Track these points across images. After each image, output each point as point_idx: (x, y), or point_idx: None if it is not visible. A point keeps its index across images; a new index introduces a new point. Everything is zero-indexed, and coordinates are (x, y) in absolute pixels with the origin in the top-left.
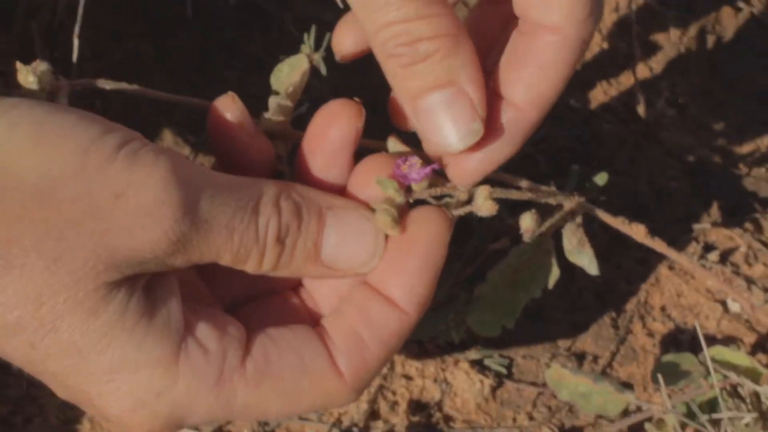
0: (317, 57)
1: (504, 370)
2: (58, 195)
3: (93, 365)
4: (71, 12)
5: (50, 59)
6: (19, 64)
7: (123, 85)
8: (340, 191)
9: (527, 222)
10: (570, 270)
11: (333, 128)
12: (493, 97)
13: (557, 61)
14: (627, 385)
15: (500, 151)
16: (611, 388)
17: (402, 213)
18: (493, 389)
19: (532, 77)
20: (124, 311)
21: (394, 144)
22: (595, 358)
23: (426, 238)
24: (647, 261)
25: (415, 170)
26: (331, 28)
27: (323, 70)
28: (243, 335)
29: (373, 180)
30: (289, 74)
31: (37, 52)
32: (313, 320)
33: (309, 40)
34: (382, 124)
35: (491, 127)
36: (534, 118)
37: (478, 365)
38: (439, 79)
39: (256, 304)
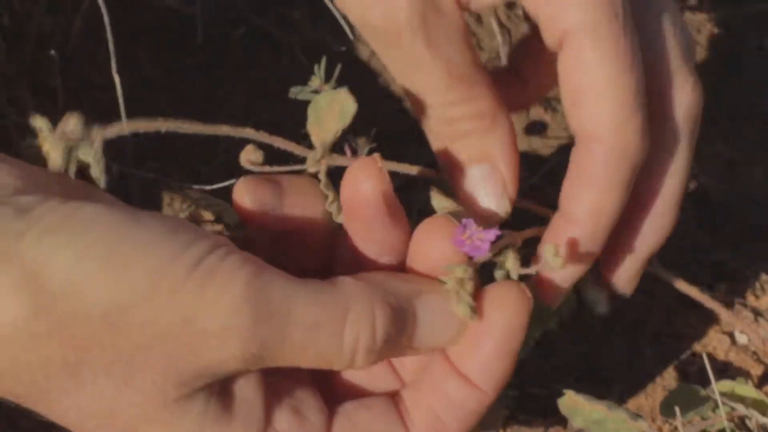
0: (328, 88)
1: (514, 402)
2: (127, 321)
3: None
4: (85, 37)
5: (63, 87)
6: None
7: (157, 125)
8: (391, 252)
9: (510, 262)
10: (579, 299)
11: (359, 193)
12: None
13: (602, 170)
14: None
15: (570, 275)
16: (625, 416)
17: (474, 284)
18: (505, 420)
19: (586, 193)
20: (201, 417)
21: (438, 200)
22: (604, 390)
23: (505, 321)
24: (655, 292)
25: (477, 238)
26: (340, 57)
27: None
28: (324, 418)
29: (432, 248)
30: (341, 116)
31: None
32: (393, 374)
33: (320, 71)
34: (392, 150)
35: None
36: (596, 234)
37: None
38: (475, 155)
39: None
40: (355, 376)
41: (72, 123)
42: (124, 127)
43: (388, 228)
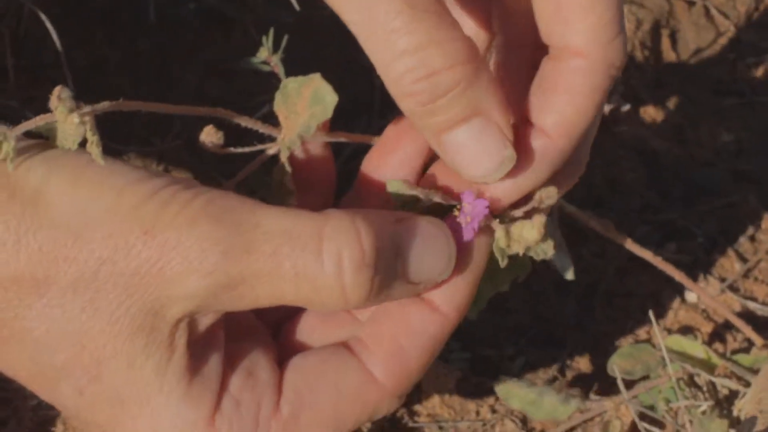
0: (275, 59)
1: (467, 365)
2: (90, 234)
3: (134, 418)
4: (36, 19)
5: (16, 67)
6: (59, 104)
7: (137, 105)
8: None
9: (532, 233)
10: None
11: (406, 139)
12: (523, 124)
13: (585, 86)
14: (584, 376)
15: (530, 179)
16: (556, 400)
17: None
18: (457, 382)
19: (560, 103)
20: (163, 372)
21: (395, 186)
22: (556, 350)
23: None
24: (606, 253)
25: (467, 215)
26: (290, 30)
27: (282, 72)
28: (276, 376)
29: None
30: (315, 103)
31: (3, 59)
32: (354, 323)
33: (268, 42)
34: (343, 120)
35: (521, 154)
36: (564, 146)
37: (442, 359)
38: (463, 112)
39: (298, 320)
40: (310, 330)
41: (66, 96)
42: (108, 105)
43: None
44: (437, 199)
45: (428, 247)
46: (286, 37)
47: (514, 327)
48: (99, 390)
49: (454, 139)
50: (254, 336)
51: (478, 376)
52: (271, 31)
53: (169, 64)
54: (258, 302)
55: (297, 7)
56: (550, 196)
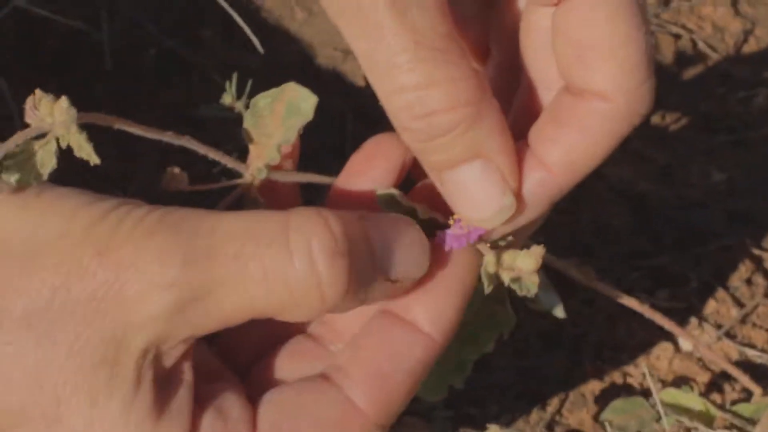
0: (240, 105)
1: (450, 424)
2: (41, 261)
3: None
4: None
5: None
6: (42, 95)
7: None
8: None
9: (528, 263)
10: (515, 314)
11: (379, 158)
12: (523, 150)
13: (602, 130)
14: None
15: (523, 216)
16: None
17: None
18: None
19: (571, 141)
20: (128, 410)
21: (389, 197)
22: (544, 406)
23: (457, 258)
24: (595, 301)
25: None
26: (253, 74)
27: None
28: (250, 413)
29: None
30: (290, 115)
31: None
32: (328, 358)
33: (231, 88)
34: (314, 163)
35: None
36: (564, 185)
37: (424, 419)
38: (463, 154)
39: (268, 359)
40: (281, 368)
41: (66, 106)
42: (94, 117)
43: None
44: (435, 215)
45: (401, 241)
46: (250, 82)
47: (498, 383)
48: None
49: (454, 178)
50: (222, 379)
51: None
52: (235, 76)
53: (129, 112)
54: (226, 317)
55: (261, 49)
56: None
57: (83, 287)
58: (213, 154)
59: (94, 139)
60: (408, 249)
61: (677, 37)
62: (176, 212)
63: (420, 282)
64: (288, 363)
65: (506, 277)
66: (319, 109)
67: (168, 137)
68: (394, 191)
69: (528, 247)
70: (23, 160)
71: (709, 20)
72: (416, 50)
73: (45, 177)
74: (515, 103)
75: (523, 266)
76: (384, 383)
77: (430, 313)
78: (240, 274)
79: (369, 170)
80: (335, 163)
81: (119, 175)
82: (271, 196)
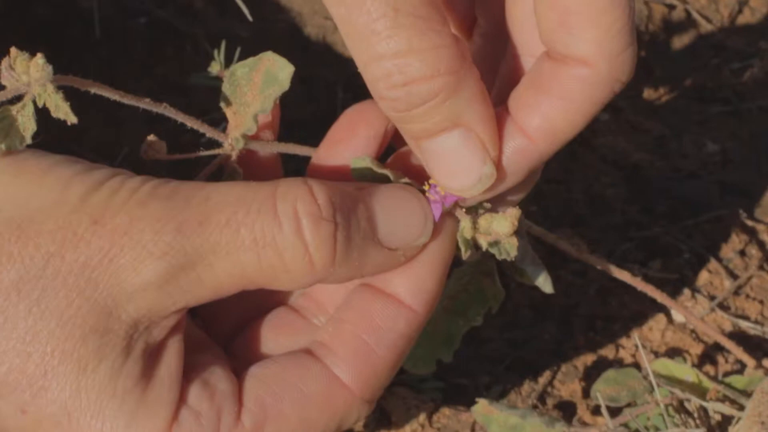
0: (228, 74)
1: (440, 394)
2: (35, 227)
3: None
4: None
5: None
6: (17, 53)
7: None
8: None
9: (504, 226)
10: (505, 285)
11: (361, 126)
12: (502, 117)
13: (583, 96)
14: (567, 405)
15: (503, 183)
16: (540, 422)
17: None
18: (429, 414)
19: (551, 108)
20: (116, 374)
21: (363, 164)
22: (535, 377)
23: (437, 229)
24: (586, 272)
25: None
26: (243, 43)
27: None
28: (235, 386)
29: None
30: (268, 84)
31: None
32: (311, 330)
33: (219, 56)
34: (297, 135)
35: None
36: (544, 152)
37: (414, 390)
38: (443, 123)
39: (251, 331)
40: (264, 341)
41: (42, 63)
42: (70, 80)
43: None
44: (406, 181)
45: (398, 208)
46: (238, 51)
47: (489, 355)
48: (44, 405)
49: (433, 147)
50: (207, 351)
51: (452, 407)
52: (223, 45)
53: (119, 80)
54: (219, 284)
55: (250, 18)
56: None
57: (77, 255)
58: (191, 123)
59: (81, 109)
60: (405, 216)
61: (671, 7)
62: (170, 183)
63: None
64: (271, 335)
65: (483, 242)
66: (309, 80)
67: (146, 104)
68: (368, 159)
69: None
70: (5, 127)
71: None
72: (396, 17)
73: (29, 140)
74: (501, 71)
75: (500, 229)
76: (368, 357)
77: (410, 284)
78: (231, 240)
79: (350, 138)
80: (325, 133)
81: (106, 144)
82: (251, 166)
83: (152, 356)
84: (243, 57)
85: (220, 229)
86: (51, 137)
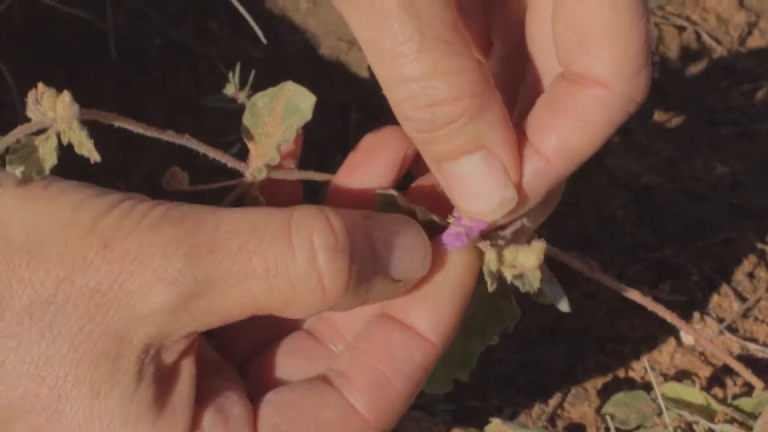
0: (243, 95)
1: (451, 416)
2: (45, 252)
3: None
4: None
5: None
6: (44, 89)
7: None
8: None
9: (530, 259)
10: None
11: (380, 152)
12: (519, 139)
13: (599, 117)
14: (577, 427)
15: (522, 207)
16: None
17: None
18: None
19: (568, 129)
20: (129, 400)
21: (388, 199)
22: (545, 399)
23: (456, 259)
24: (597, 294)
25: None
26: (258, 64)
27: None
28: (250, 412)
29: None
30: (289, 115)
31: None
32: (328, 356)
33: (234, 78)
34: (315, 158)
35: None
36: (561, 174)
37: (426, 411)
38: (466, 145)
39: (267, 354)
40: (280, 365)
41: (68, 102)
42: (96, 114)
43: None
44: (434, 217)
45: (403, 240)
46: (253, 72)
47: (500, 376)
48: (58, 429)
49: (454, 170)
50: (221, 373)
51: (463, 429)
52: (238, 66)
53: (134, 101)
54: (229, 312)
55: (264, 40)
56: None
57: (87, 280)
58: (213, 153)
59: (96, 129)
60: (409, 249)
61: (681, 29)
62: (180, 207)
63: (419, 285)
64: (287, 360)
65: (509, 275)
66: (323, 101)
67: (168, 136)
68: (393, 192)
69: (529, 242)
70: (26, 155)
71: (714, 12)
72: (422, 40)
73: (47, 172)
74: (521, 94)
75: (525, 262)
76: (384, 387)
77: (429, 316)
78: (243, 268)
79: (370, 164)
80: (339, 154)
81: (122, 166)
82: (272, 194)
83: (164, 381)
84: (257, 78)
85: (231, 257)
86: (66, 158)
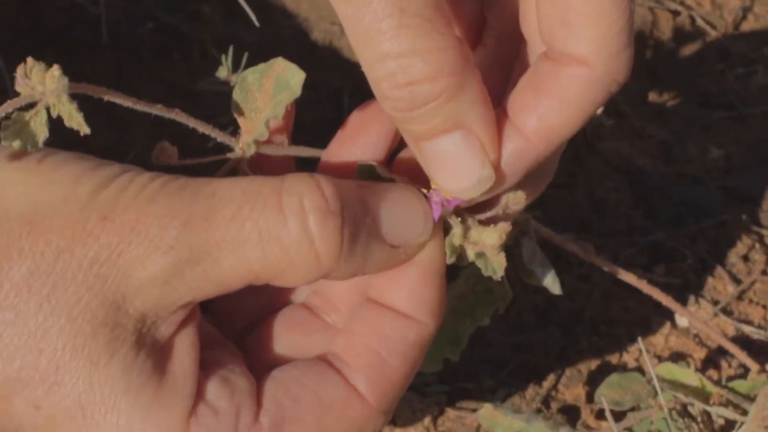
0: (235, 78)
1: (444, 398)
2: (46, 223)
3: (98, 429)
4: None
5: None
6: (33, 63)
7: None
8: None
9: (492, 237)
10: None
11: (372, 124)
12: (500, 118)
13: (580, 96)
14: (571, 409)
15: (500, 185)
16: (544, 426)
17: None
18: (434, 418)
19: (549, 108)
20: (129, 369)
21: (369, 170)
22: (539, 381)
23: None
24: (591, 277)
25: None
26: (250, 48)
27: None
28: (253, 385)
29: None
30: (279, 90)
31: None
32: (325, 329)
33: (227, 61)
34: (306, 139)
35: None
36: (541, 152)
37: (418, 392)
38: (444, 124)
39: (263, 328)
40: (277, 338)
41: (57, 75)
42: (84, 87)
43: None
44: (415, 187)
45: (400, 206)
46: (246, 56)
47: (493, 359)
48: (57, 400)
49: (433, 148)
50: (221, 346)
51: (456, 410)
52: (230, 50)
53: (127, 85)
54: (225, 279)
55: (257, 24)
56: (517, 201)
57: (86, 250)
58: (203, 128)
59: (88, 112)
60: (406, 213)
61: (676, 13)
62: (178, 179)
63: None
64: (284, 333)
65: (471, 252)
66: (315, 85)
67: (158, 110)
68: (374, 162)
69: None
70: (18, 129)
71: None
72: (401, 17)
73: (40, 144)
74: (515, 72)
75: (487, 240)
76: (382, 368)
77: (405, 295)
78: (237, 235)
79: (359, 138)
80: (331, 138)
81: (113, 147)
82: (263, 170)
83: (163, 351)
84: (250, 62)
85: (225, 224)
86: (58, 139)
